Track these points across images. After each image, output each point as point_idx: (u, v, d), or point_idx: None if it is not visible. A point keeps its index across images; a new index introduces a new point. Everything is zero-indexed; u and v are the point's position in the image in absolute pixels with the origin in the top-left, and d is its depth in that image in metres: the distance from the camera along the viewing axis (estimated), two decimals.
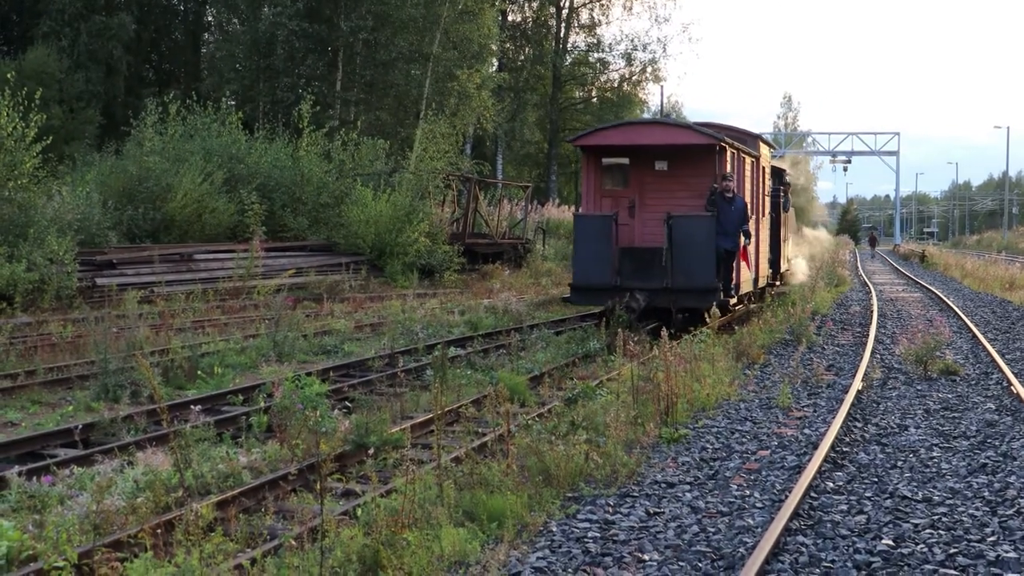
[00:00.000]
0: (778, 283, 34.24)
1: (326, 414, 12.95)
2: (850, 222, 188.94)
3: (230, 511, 9.98)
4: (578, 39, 79.49)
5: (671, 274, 22.92)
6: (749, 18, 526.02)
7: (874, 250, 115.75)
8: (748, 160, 27.31)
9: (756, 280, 28.10)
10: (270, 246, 37.11)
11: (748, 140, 28.60)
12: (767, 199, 30.81)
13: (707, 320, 20.01)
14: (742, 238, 24.30)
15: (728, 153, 24.48)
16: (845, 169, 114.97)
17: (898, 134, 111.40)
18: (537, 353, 21.62)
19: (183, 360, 18.60)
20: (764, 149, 30.07)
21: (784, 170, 36.87)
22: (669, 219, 22.92)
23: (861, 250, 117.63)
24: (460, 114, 56.51)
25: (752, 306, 28.99)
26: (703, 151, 24.15)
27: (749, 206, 26.00)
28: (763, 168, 29.70)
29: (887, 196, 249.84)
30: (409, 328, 24.49)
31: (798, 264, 41.66)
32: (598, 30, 79.12)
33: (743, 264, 25.27)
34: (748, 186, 27.17)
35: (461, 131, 56.47)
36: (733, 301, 24.18)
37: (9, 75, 33.34)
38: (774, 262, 32.51)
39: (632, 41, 79.32)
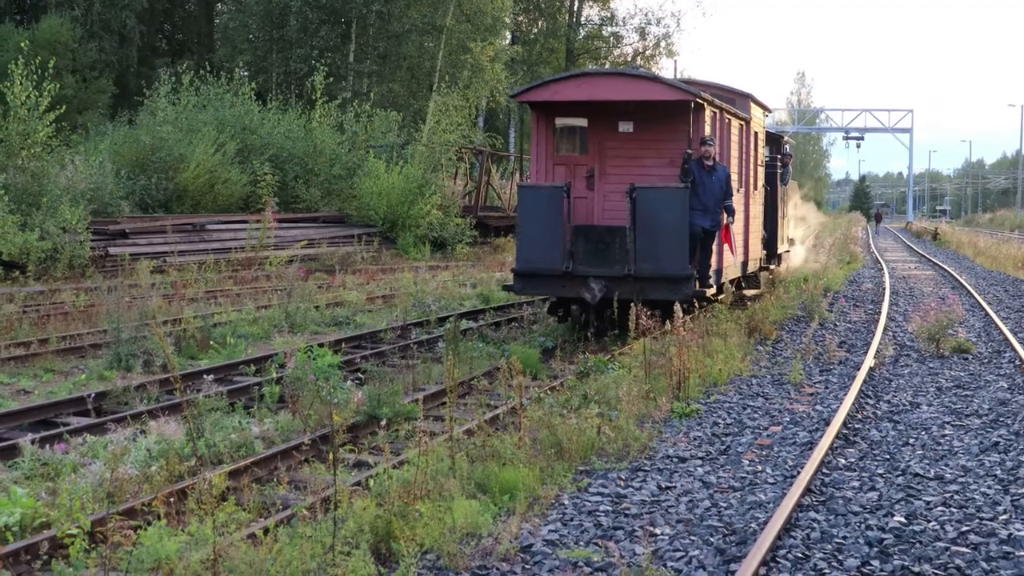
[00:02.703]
0: (774, 267, 29.43)
1: (338, 385, 12.96)
2: (862, 199, 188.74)
3: (243, 481, 10.02)
4: (592, 12, 79.36)
5: (634, 259, 18.88)
6: None
7: (878, 226, 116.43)
8: (735, 122, 23.05)
9: (745, 264, 24.08)
10: (282, 217, 37.18)
11: (737, 100, 24.19)
12: (760, 169, 26.54)
13: (679, 313, 16.81)
14: (725, 215, 20.32)
15: (707, 112, 20.29)
16: (858, 146, 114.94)
17: (911, 111, 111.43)
18: (549, 326, 21.62)
19: (196, 330, 18.63)
20: (757, 111, 25.77)
21: (782, 136, 32.28)
22: (633, 191, 18.97)
23: (871, 226, 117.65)
24: (473, 87, 56.43)
25: (746, 292, 24.99)
26: (676, 109, 19.75)
27: (737, 177, 22.63)
28: (755, 133, 25.37)
29: (900, 173, 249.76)
30: (421, 300, 24.50)
31: (801, 246, 38.06)
32: (612, 4, 79.14)
33: (726, 247, 21.21)
34: (735, 153, 22.95)
35: (474, 104, 56.47)
36: (711, 291, 20.28)
37: (22, 44, 33.26)
38: (770, 243, 28.08)
39: (646, 15, 79.60)
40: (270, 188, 37.84)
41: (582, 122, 20.76)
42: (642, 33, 77.84)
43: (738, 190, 22.42)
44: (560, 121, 20.90)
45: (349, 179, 42.26)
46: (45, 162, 29.88)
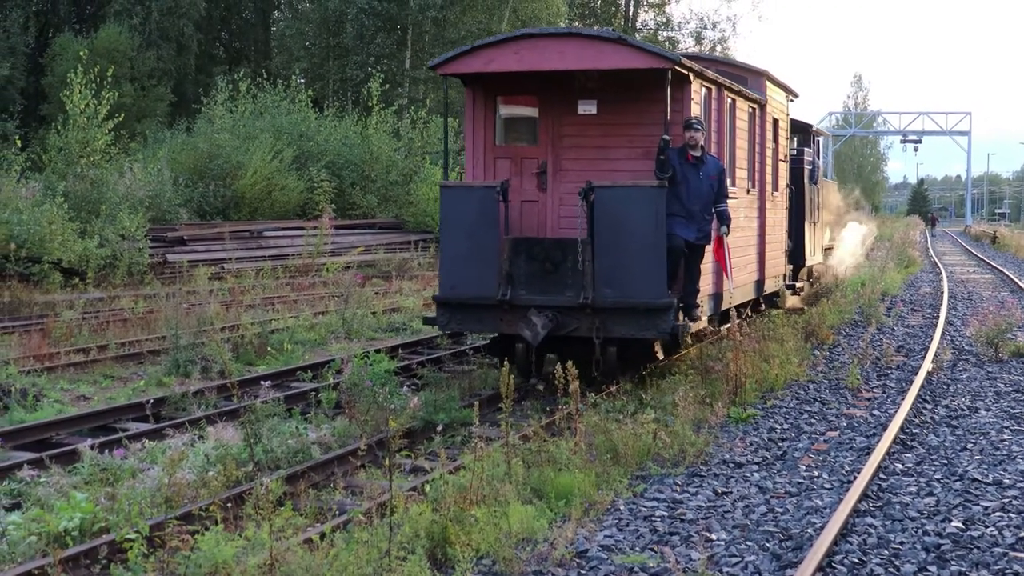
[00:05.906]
0: (801, 284, 23.84)
1: (395, 391, 13.01)
2: (920, 202, 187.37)
3: (299, 486, 10.07)
4: (647, 17, 79.18)
5: (592, 282, 14.04)
6: None
7: (934, 229, 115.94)
8: (743, 105, 18.20)
9: (760, 284, 19.66)
10: (339, 224, 37.32)
11: (749, 78, 19.60)
12: (783, 165, 21.62)
13: (658, 355, 14.32)
14: (717, 224, 15.32)
15: (694, 86, 15.14)
16: (916, 149, 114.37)
17: (969, 114, 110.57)
18: None
19: (253, 336, 18.74)
20: (776, 92, 20.81)
21: (811, 126, 26.81)
22: (590, 192, 14.08)
23: (928, 230, 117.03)
24: None
25: (769, 311, 20.20)
26: (651, 82, 14.59)
27: (746, 175, 18.50)
28: (774, 120, 20.53)
29: (958, 176, 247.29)
30: None
31: (839, 257, 32.06)
32: (667, 8, 79.13)
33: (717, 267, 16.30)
34: (743, 144, 18.22)
35: None
36: (700, 325, 15.44)
37: (82, 53, 33.63)
38: (796, 255, 23.17)
39: (702, 20, 79.32)
40: (327, 195, 38.09)
41: (531, 104, 15.84)
42: (698, 38, 77.72)
43: (748, 191, 18.69)
44: (505, 111, 16.07)
45: (405, 185, 42.46)
46: (104, 170, 30.20)
